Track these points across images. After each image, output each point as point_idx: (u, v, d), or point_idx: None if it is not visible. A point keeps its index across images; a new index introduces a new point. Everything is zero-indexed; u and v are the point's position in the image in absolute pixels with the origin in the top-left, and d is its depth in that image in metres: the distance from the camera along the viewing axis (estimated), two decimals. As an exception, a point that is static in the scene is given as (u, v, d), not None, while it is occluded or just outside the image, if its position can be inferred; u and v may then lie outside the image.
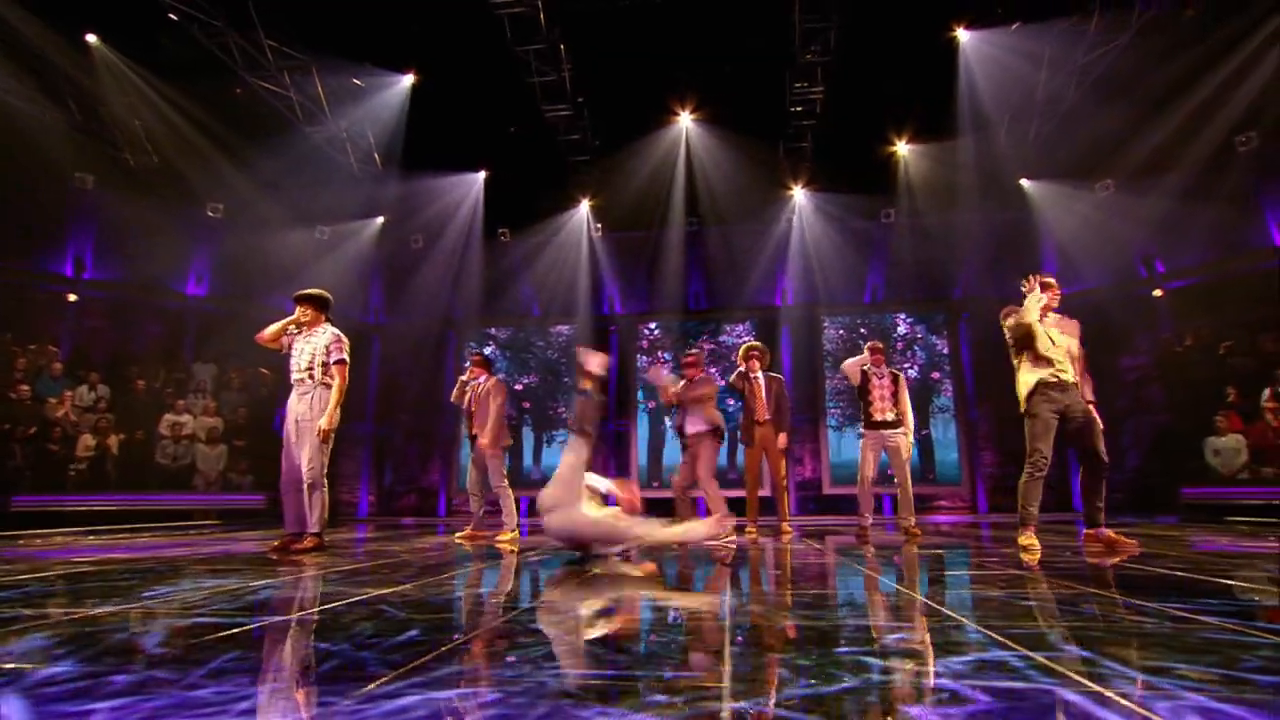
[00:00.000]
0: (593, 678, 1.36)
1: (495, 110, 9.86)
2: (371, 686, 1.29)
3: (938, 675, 1.31)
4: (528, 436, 11.88)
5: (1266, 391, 8.20)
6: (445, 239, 11.72)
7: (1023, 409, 4.08)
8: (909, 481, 5.62)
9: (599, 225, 11.86)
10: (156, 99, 9.39)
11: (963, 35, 8.30)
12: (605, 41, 8.96)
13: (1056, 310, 4.26)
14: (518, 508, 6.06)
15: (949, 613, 1.98)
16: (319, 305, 4.75)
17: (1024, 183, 10.28)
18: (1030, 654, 1.45)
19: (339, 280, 11.72)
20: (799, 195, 11.19)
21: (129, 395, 9.82)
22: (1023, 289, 4.17)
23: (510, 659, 1.59)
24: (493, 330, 12.32)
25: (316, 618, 2.09)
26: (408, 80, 9.49)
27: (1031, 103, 9.00)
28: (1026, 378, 4.05)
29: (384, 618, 2.12)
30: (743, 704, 1.15)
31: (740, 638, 1.71)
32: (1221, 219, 9.45)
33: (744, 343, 6.74)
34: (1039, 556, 3.57)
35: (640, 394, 11.96)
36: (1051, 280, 4.20)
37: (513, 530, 5.82)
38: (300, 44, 8.95)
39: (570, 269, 12.06)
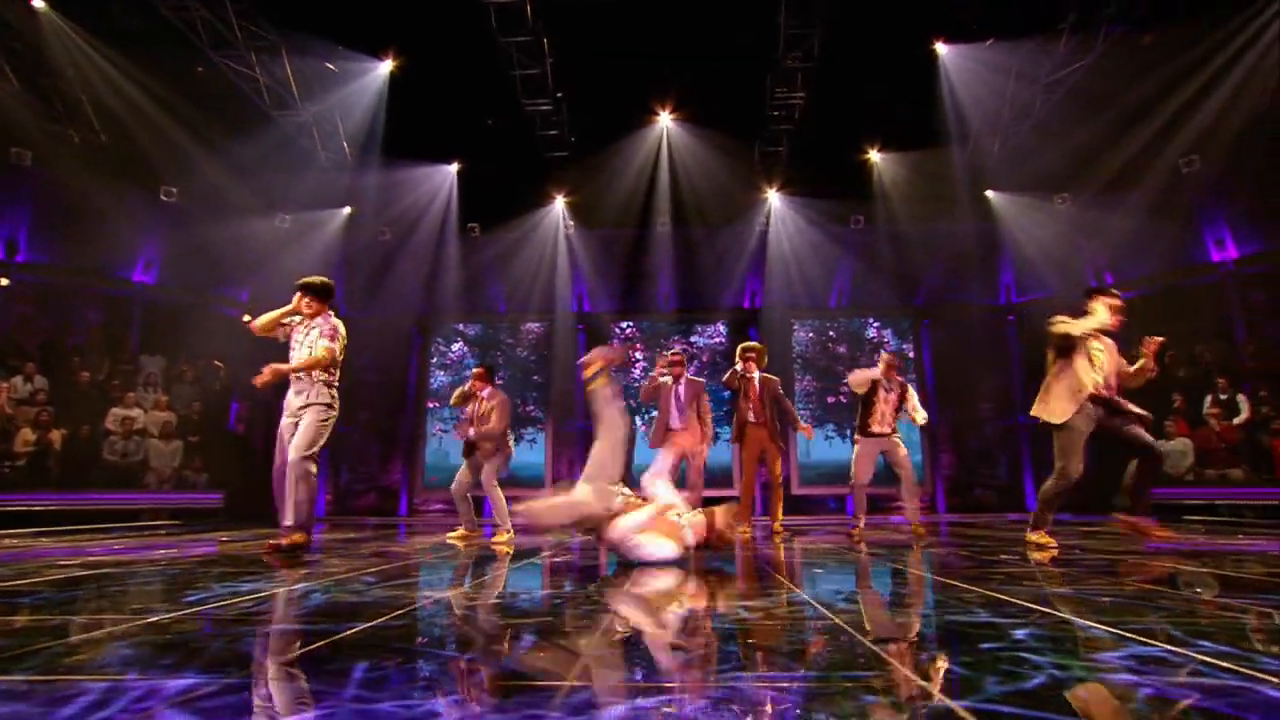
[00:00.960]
0: (779, 680, 1.34)
1: (473, 102, 9.67)
2: (564, 697, 1.24)
3: (1117, 671, 1.34)
4: (497, 435, 11.67)
5: (1209, 399, 8.78)
6: (414, 232, 11.40)
7: (1056, 420, 4.06)
8: (914, 480, 5.73)
9: (571, 223, 11.76)
10: (111, 72, 8.81)
11: (941, 49, 8.58)
12: (589, 37, 8.90)
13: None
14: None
15: (1044, 609, 2.04)
16: (321, 295, 4.54)
17: (989, 194, 10.71)
18: (1177, 649, 1.50)
19: (299, 272, 11.19)
20: (773, 198, 11.35)
21: (71, 387, 9.20)
22: (1088, 306, 4.21)
23: (664, 663, 1.55)
24: (461, 326, 12.05)
25: (405, 623, 1.99)
26: (384, 67, 9.20)
27: (1000, 117, 9.37)
28: (1063, 390, 4.03)
29: (476, 622, 2.04)
30: (963, 702, 1.15)
31: (871, 637, 1.71)
32: (1167, 235, 10.05)
33: (714, 343, 6.86)
34: (1053, 555, 3.72)
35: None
36: (1119, 303, 4.21)
37: (508, 531, 5.73)
38: (271, 23, 8.57)
39: (542, 266, 11.91)
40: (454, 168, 11.02)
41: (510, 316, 12.13)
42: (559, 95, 9.56)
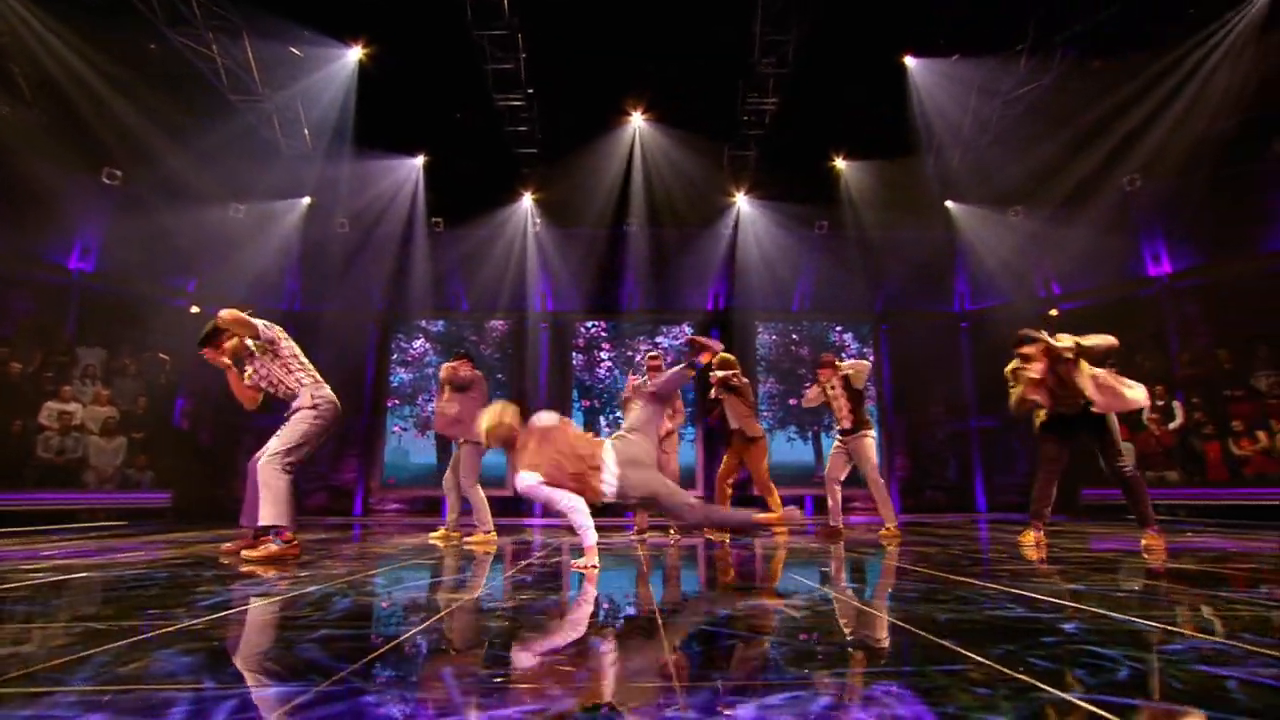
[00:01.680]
0: (881, 674, 1.36)
1: (443, 95, 9.47)
2: (687, 697, 1.23)
3: (1190, 662, 1.41)
4: (452, 434, 11.47)
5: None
6: (376, 225, 11.10)
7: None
8: (878, 483, 5.81)
9: (538, 220, 11.65)
10: (52, 41, 8.26)
11: (910, 62, 8.87)
12: (564, 33, 8.84)
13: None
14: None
15: (1074, 605, 2.13)
16: (210, 341, 4.12)
17: (949, 204, 11.11)
18: (1229, 643, 1.59)
19: (253, 263, 10.87)
20: (741, 201, 11.50)
21: (1, 380, 8.60)
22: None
23: (765, 661, 1.56)
24: (423, 323, 11.78)
25: (455, 625, 1.94)
26: (352, 55, 8.91)
27: (962, 130, 9.74)
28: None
29: (538, 626, 2.00)
30: (1074, 694, 1.20)
31: (932, 633, 1.76)
32: (1110, 250, 10.63)
33: (680, 344, 6.81)
34: (1037, 554, 3.89)
35: (575, 392, 11.84)
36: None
37: (487, 532, 5.61)
38: (233, 2, 8.20)
39: (508, 264, 11.77)
40: (420, 161, 10.78)
41: (475, 314, 11.94)
42: (530, 91, 9.45)
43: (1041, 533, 4.45)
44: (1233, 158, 9.24)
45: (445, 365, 5.98)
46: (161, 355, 10.30)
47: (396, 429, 11.34)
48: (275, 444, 3.90)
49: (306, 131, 9.92)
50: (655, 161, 10.69)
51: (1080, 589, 2.49)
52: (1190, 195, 9.70)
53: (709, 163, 10.73)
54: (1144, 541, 4.09)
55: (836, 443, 5.92)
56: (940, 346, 12.46)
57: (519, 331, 11.86)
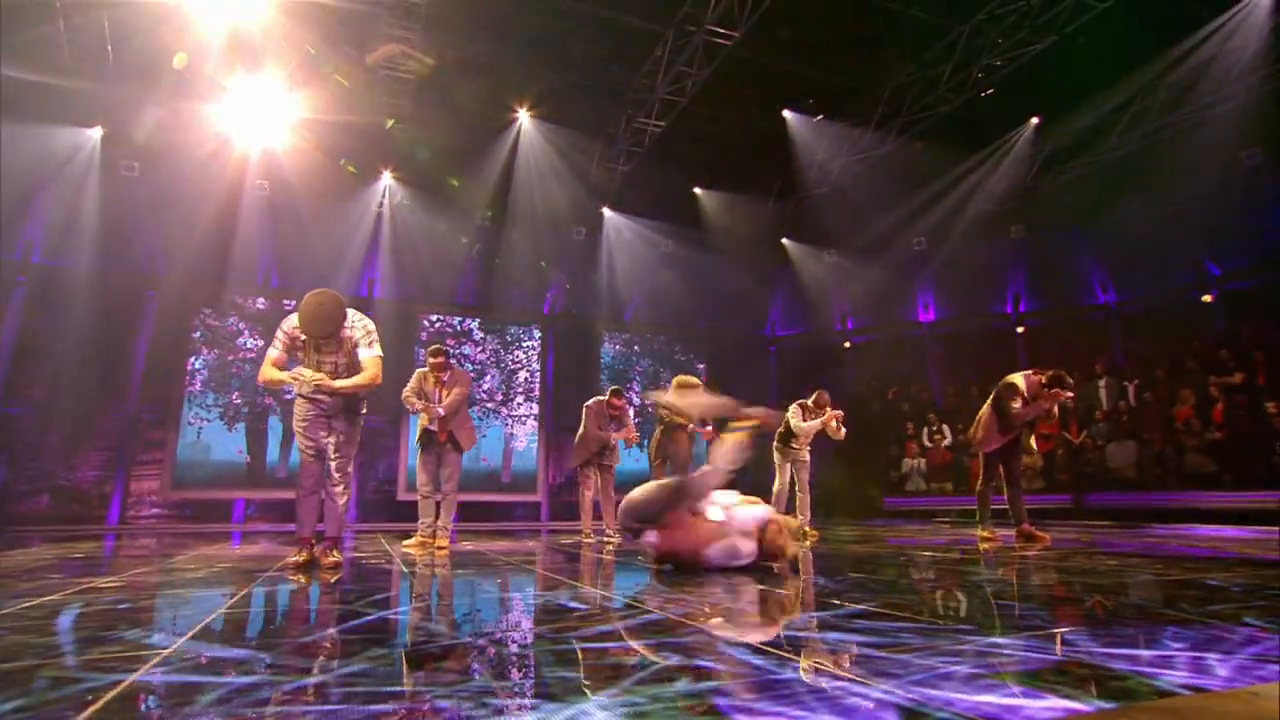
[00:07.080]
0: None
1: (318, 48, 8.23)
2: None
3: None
4: (275, 428, 9.90)
5: (925, 430, 11.39)
6: (182, 175, 9.14)
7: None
8: (807, 490, 6.53)
9: (386, 200, 10.62)
10: None
11: (788, 115, 9.88)
12: (468, 12, 8.30)
13: None
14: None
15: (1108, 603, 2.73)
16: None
17: (785, 241, 12.49)
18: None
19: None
20: (606, 213, 11.68)
21: None
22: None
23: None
24: (238, 299, 9.94)
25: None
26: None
27: (808, 178, 11.08)
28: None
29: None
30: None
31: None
32: (894, 295, 12.84)
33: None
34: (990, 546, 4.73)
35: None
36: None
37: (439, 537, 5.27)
38: None
39: (341, 241, 10.52)
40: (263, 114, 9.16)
41: (281, 290, 10.40)
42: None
43: (1030, 526, 5.36)
44: (985, 237, 11.83)
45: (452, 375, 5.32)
46: None
47: (194, 419, 9.43)
48: (351, 451, 3.73)
49: (110, 47, 7.85)
50: (528, 161, 10.41)
51: (1107, 576, 3.15)
52: (953, 261, 12.19)
53: (582, 171, 10.74)
54: (1020, 533, 5.28)
55: (785, 454, 6.44)
56: (750, 366, 13.86)
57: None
